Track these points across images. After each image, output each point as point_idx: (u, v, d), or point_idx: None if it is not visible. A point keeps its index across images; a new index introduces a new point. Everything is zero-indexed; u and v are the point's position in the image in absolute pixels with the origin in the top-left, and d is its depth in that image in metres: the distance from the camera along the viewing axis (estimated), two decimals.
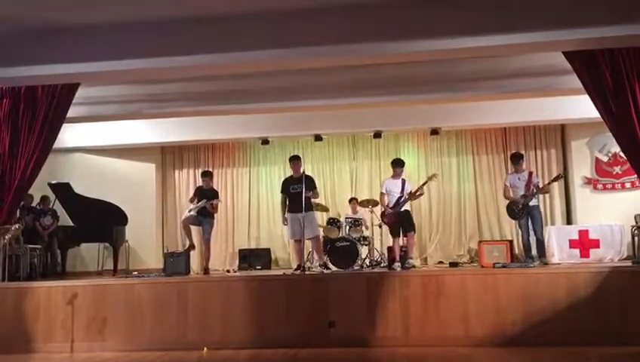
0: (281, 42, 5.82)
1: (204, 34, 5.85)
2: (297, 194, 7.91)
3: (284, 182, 8.41)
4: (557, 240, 9.35)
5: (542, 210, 8.07)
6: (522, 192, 7.75)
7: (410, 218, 8.25)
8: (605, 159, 10.47)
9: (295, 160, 8.36)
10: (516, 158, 8.14)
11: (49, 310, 6.82)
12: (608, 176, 10.45)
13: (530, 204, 7.73)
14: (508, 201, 8.03)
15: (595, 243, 9.28)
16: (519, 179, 7.89)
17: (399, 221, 8.03)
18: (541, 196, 8.46)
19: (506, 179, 8.32)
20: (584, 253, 9.25)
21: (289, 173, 11.43)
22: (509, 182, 8.05)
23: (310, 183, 8.06)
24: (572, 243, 9.35)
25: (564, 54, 6.13)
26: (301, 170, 8.16)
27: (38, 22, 5.86)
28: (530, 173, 8.00)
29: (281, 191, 8.35)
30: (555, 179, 8.54)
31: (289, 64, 6.34)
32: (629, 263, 7.89)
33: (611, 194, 10.38)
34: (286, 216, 8.15)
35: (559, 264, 8.63)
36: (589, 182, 10.50)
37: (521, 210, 7.70)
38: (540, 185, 7.97)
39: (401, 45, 5.74)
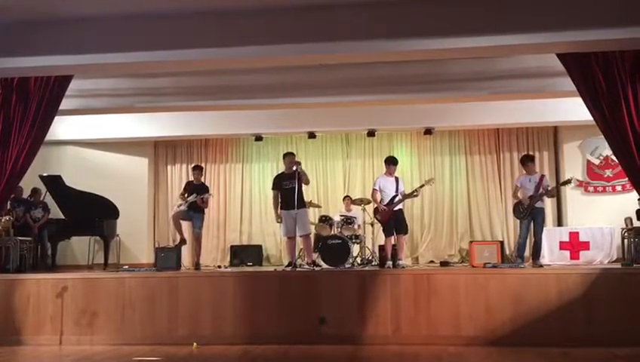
0: (275, 38, 5.80)
1: (200, 28, 5.83)
2: (290, 190, 7.87)
3: (276, 178, 8.33)
4: (547, 241, 9.39)
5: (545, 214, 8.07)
6: (532, 193, 7.75)
7: (404, 218, 8.25)
8: (597, 162, 10.53)
9: (289, 156, 8.27)
10: (525, 160, 8.12)
11: (38, 303, 6.81)
12: (599, 179, 10.51)
13: (536, 205, 7.73)
14: (515, 201, 8.02)
15: (585, 246, 9.35)
16: (530, 180, 7.85)
17: (392, 220, 8.04)
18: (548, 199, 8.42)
19: (517, 179, 8.32)
20: (574, 255, 9.32)
21: (282, 169, 11.51)
22: (519, 182, 8.01)
23: (302, 175, 7.98)
24: (562, 245, 9.42)
25: (558, 56, 6.15)
26: (294, 167, 8.11)
27: (31, 12, 5.82)
28: (542, 176, 7.98)
29: (273, 188, 8.22)
30: (565, 183, 8.53)
31: (283, 60, 6.34)
32: (618, 265, 7.95)
33: (602, 196, 10.45)
34: (280, 213, 8.06)
35: (549, 265, 8.68)
36: (580, 184, 10.55)
37: (526, 210, 7.70)
38: (549, 188, 7.96)
39: (395, 44, 5.73)
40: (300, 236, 8.12)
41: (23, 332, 6.74)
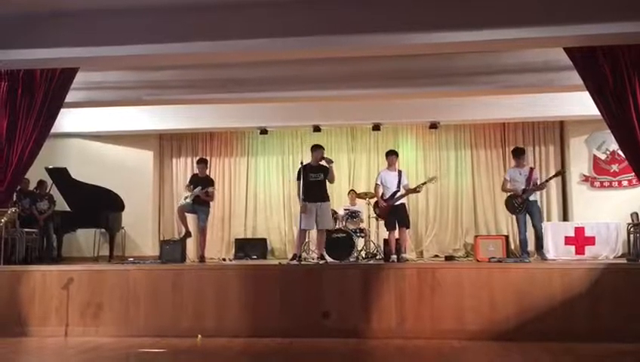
0: (281, 31, 5.80)
1: (206, 21, 5.83)
2: (315, 183, 7.77)
3: (301, 168, 8.01)
4: (553, 236, 9.39)
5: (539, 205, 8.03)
6: (523, 187, 7.72)
7: (405, 213, 8.22)
8: (603, 157, 10.49)
9: (319, 148, 8.02)
10: (518, 153, 8.08)
11: (44, 294, 6.82)
12: (606, 174, 10.47)
13: (530, 198, 7.69)
14: (507, 195, 7.98)
15: (591, 241, 9.33)
16: (520, 173, 7.83)
17: (393, 214, 8.01)
18: (538, 192, 8.39)
19: (506, 172, 8.28)
20: (579, 250, 9.30)
21: (287, 163, 11.53)
22: (509, 175, 7.99)
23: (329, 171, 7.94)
24: (568, 240, 9.39)
25: (565, 50, 6.12)
26: (323, 161, 7.87)
27: (38, 5, 5.83)
28: (532, 169, 7.95)
29: (298, 178, 7.97)
30: (556, 175, 8.50)
31: (289, 54, 6.34)
32: (623, 261, 7.92)
33: (608, 191, 10.41)
34: (307, 205, 7.74)
35: (554, 260, 8.66)
36: (586, 179, 10.53)
37: (521, 205, 7.68)
38: (539, 182, 7.92)
39: (401, 37, 5.73)
40: (321, 229, 7.96)
41: (28, 323, 6.76)
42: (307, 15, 5.75)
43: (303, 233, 8.10)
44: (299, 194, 7.94)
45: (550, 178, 8.59)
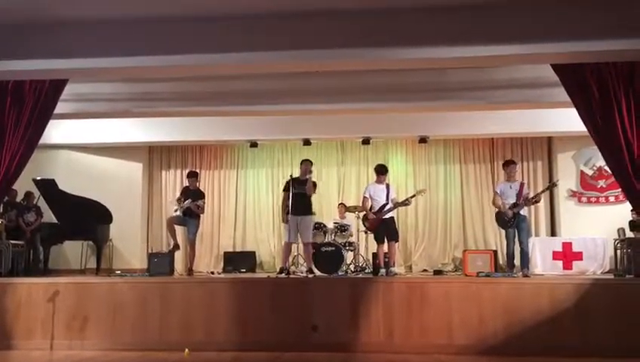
0: (273, 45, 5.82)
1: (197, 33, 5.84)
2: (298, 195, 7.84)
3: (288, 181, 8.13)
4: (541, 251, 9.44)
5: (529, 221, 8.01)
6: (513, 201, 7.69)
7: (394, 226, 8.21)
8: (590, 173, 10.58)
9: (305, 163, 8.12)
10: (509, 165, 7.95)
11: (30, 307, 6.75)
12: (593, 190, 10.57)
13: (520, 213, 7.68)
14: (497, 210, 7.95)
15: (579, 256, 9.39)
16: (510, 187, 7.77)
17: (382, 227, 8.01)
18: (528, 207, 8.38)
19: (497, 186, 8.23)
20: (567, 265, 9.35)
21: (276, 176, 11.55)
22: (499, 189, 7.91)
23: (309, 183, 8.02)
24: (555, 255, 9.45)
25: (553, 67, 6.19)
26: (308, 175, 7.97)
27: (28, 16, 5.83)
28: (522, 184, 7.90)
29: (284, 190, 8.13)
30: (550, 187, 8.45)
31: (280, 67, 6.35)
32: (610, 276, 7.96)
33: (595, 207, 10.50)
34: (290, 217, 7.86)
35: (542, 275, 8.69)
36: (573, 194, 10.61)
37: (511, 219, 7.64)
38: (530, 197, 7.89)
39: (391, 52, 5.77)
40: (305, 243, 8.07)
41: (13, 336, 6.68)
42: (300, 28, 5.78)
43: (287, 246, 8.13)
44: (283, 206, 8.06)
45: (544, 190, 8.53)
